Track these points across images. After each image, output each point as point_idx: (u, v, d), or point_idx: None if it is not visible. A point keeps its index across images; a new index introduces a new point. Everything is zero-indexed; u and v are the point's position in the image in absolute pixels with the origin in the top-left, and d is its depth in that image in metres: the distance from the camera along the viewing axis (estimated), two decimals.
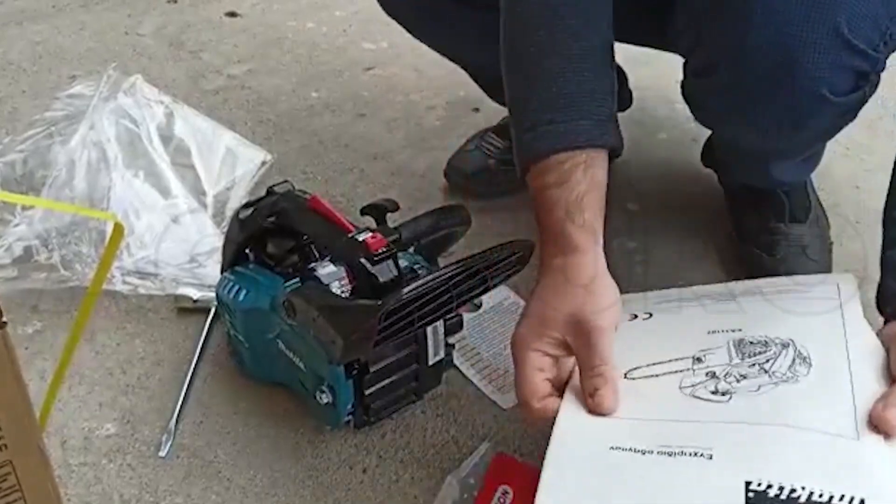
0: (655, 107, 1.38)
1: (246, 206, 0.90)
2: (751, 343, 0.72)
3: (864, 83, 0.80)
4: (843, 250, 1.10)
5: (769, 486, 0.58)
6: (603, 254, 0.77)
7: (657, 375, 0.72)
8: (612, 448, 0.65)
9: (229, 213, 1.12)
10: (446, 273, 0.78)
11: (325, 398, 0.83)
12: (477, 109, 1.40)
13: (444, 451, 0.88)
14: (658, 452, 0.63)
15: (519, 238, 0.87)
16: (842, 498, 0.57)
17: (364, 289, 0.79)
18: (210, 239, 1.07)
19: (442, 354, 0.89)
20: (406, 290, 0.74)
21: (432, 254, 0.93)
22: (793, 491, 0.58)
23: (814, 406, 0.65)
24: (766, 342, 0.72)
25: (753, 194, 1.08)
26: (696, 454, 0.62)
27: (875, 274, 1.08)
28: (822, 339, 0.71)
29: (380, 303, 0.73)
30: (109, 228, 1.00)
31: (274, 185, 0.89)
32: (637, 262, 1.11)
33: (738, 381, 0.68)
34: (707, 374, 0.70)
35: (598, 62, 0.79)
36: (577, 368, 0.73)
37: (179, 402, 0.91)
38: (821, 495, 0.57)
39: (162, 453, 0.86)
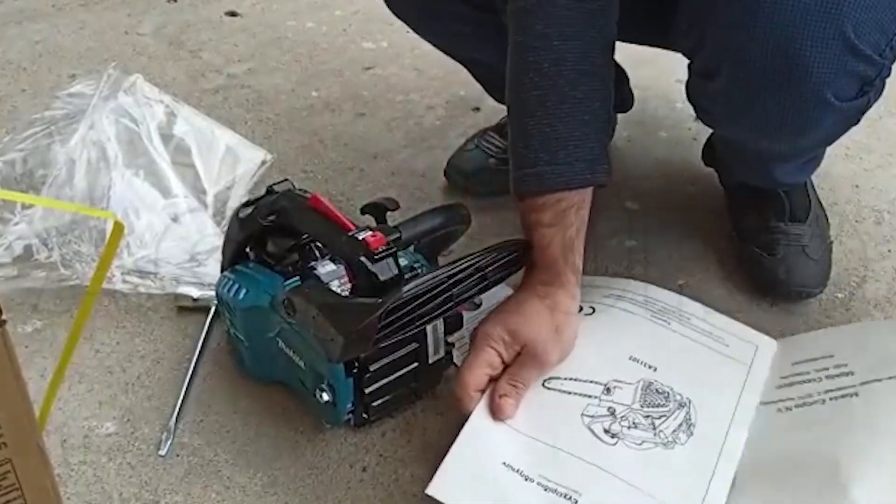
0: (656, 106, 1.38)
1: (246, 204, 0.90)
2: (656, 391, 0.82)
3: (870, 88, 0.80)
4: (843, 249, 1.11)
5: None
6: (579, 288, 0.86)
7: (569, 392, 0.82)
8: (503, 463, 0.76)
9: (229, 212, 1.12)
10: (446, 271, 0.78)
11: (325, 396, 0.83)
12: (477, 109, 1.40)
13: (445, 449, 0.87)
14: (537, 483, 0.75)
15: (518, 237, 0.87)
16: None
17: (364, 287, 0.79)
18: (210, 238, 1.07)
19: (442, 353, 0.89)
20: (406, 288, 0.75)
21: (432, 253, 0.93)
22: None
23: (673, 477, 0.76)
24: (668, 395, 0.82)
25: (754, 194, 1.08)
26: (566, 496, 0.74)
27: (874, 273, 1.09)
28: (712, 412, 0.80)
29: (380, 301, 0.73)
30: (109, 227, 1.00)
31: (274, 184, 0.89)
32: (637, 261, 1.11)
33: (629, 428, 0.79)
34: (608, 409, 0.80)
35: (597, 105, 0.84)
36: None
37: (179, 401, 0.91)
38: None
39: (162, 452, 0.86)
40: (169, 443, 0.87)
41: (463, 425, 0.79)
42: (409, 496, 0.83)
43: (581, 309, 0.87)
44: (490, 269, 0.83)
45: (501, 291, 1.03)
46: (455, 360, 0.94)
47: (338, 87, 1.47)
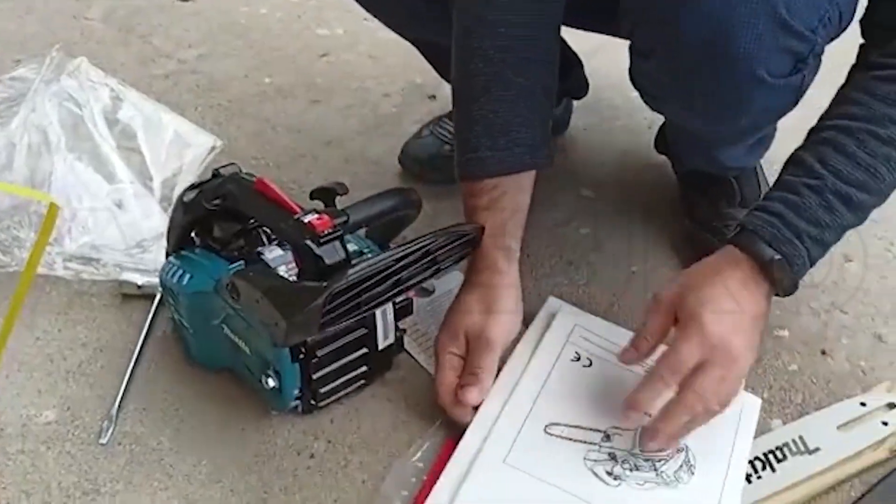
0: (612, 95, 1.38)
1: (191, 188, 0.88)
2: None
3: (803, 66, 0.80)
4: None
5: None
6: (517, 269, 0.88)
7: (570, 439, 0.82)
8: None
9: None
10: (394, 254, 0.77)
11: (271, 382, 0.81)
12: (433, 97, 1.39)
13: (394, 435, 0.87)
14: None
15: (470, 222, 0.86)
16: None
17: (310, 271, 0.77)
18: (156, 224, 1.04)
19: (392, 339, 0.88)
20: (352, 271, 0.73)
21: (383, 239, 0.92)
22: None
23: None
24: None
25: (705, 180, 1.09)
26: None
27: (828, 257, 1.10)
28: (711, 454, 0.81)
29: (325, 284, 0.72)
30: None
31: (220, 168, 0.87)
32: (591, 248, 1.11)
33: (631, 470, 0.80)
34: (609, 454, 0.81)
35: (540, 92, 0.86)
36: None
37: (122, 389, 0.89)
38: None
39: (103, 441, 0.84)
40: (110, 431, 0.85)
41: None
42: (358, 483, 0.82)
43: (579, 358, 0.90)
44: (440, 252, 0.82)
45: (455, 279, 1.03)
46: (406, 347, 0.94)
47: (291, 74, 1.45)
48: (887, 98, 0.75)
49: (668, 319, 0.78)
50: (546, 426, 0.83)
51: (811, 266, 0.77)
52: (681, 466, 0.80)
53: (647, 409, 0.76)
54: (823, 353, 0.96)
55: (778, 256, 0.75)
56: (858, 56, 0.82)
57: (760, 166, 1.10)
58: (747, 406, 0.87)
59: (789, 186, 0.77)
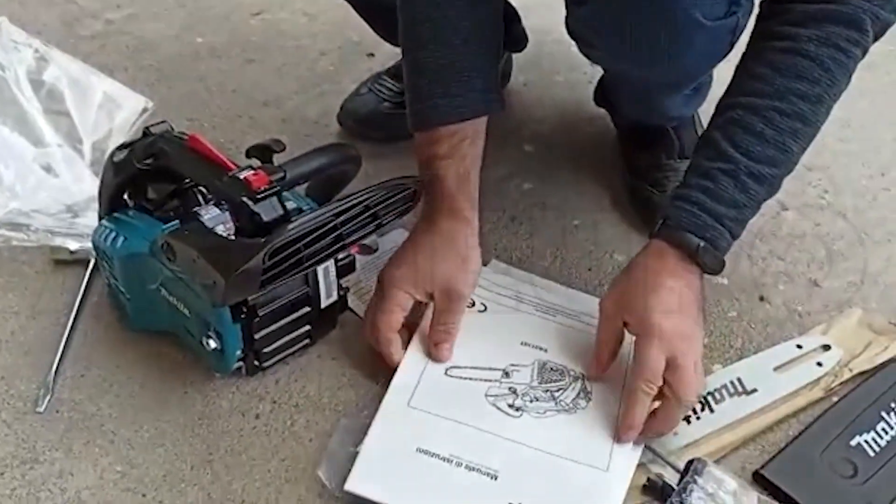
0: (552, 51, 1.37)
1: (120, 147, 0.85)
2: (551, 369, 0.86)
3: (737, 8, 0.81)
4: None
5: None
6: (477, 221, 0.88)
7: (472, 379, 0.85)
8: (418, 450, 0.78)
9: None
10: (334, 209, 0.76)
11: (213, 344, 0.80)
12: (372, 55, 1.37)
13: (341, 394, 0.86)
14: (455, 463, 0.77)
15: (409, 175, 0.85)
16: None
17: (247, 229, 0.76)
18: (87, 188, 1.01)
19: (335, 297, 0.87)
20: (291, 226, 0.72)
21: (323, 197, 0.91)
22: None
23: (580, 437, 0.80)
24: (563, 371, 0.86)
25: (644, 132, 1.09)
26: (486, 474, 0.76)
27: (765, 207, 1.12)
28: (605, 383, 0.84)
29: (263, 241, 0.70)
30: None
31: (150, 126, 0.85)
32: (533, 203, 1.11)
33: (531, 401, 0.83)
34: (510, 388, 0.84)
35: (488, 35, 0.86)
36: (425, 318, 0.87)
37: (58, 356, 0.86)
38: None
39: (40, 409, 0.82)
40: (47, 399, 0.83)
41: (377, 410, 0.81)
42: (305, 441, 0.82)
43: (473, 304, 0.91)
44: (380, 207, 0.81)
45: (399, 236, 1.02)
46: (350, 305, 0.93)
47: (224, 33, 1.41)
48: (789, 71, 0.77)
49: (619, 325, 0.81)
50: (447, 369, 0.85)
51: (734, 240, 0.81)
52: (578, 394, 0.84)
53: (641, 424, 0.79)
54: (761, 299, 0.98)
55: (703, 244, 0.78)
56: (758, 22, 0.82)
57: (698, 116, 1.11)
58: None
59: (705, 172, 0.79)
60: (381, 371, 0.86)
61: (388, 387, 0.84)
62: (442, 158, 0.85)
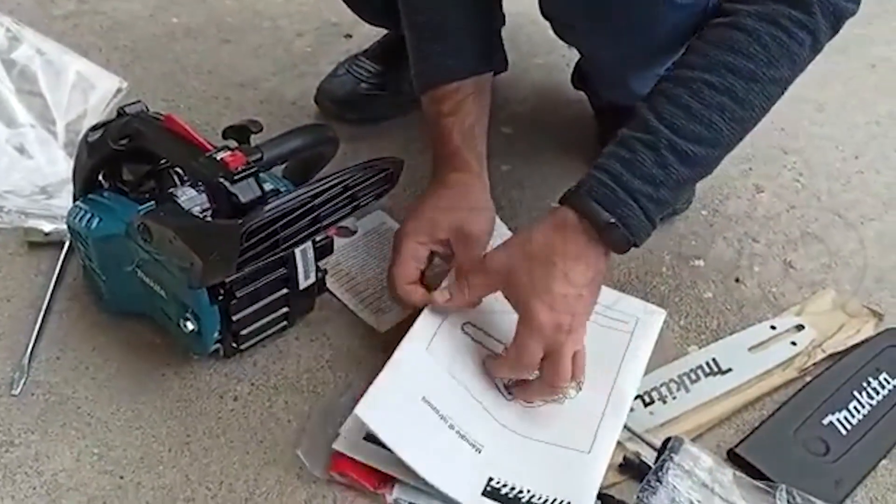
0: (530, 33, 1.37)
1: (94, 128, 0.84)
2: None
3: None
4: None
5: (504, 485, 0.75)
6: (486, 174, 0.89)
7: (480, 342, 0.84)
8: (423, 399, 0.77)
9: None
10: (311, 190, 0.75)
11: (190, 326, 0.80)
12: (349, 36, 1.36)
13: (319, 375, 0.86)
14: (450, 427, 0.77)
15: (387, 156, 0.85)
16: (554, 500, 0.73)
17: (224, 210, 0.75)
18: (61, 169, 1.00)
19: (314, 278, 0.87)
20: (269, 207, 0.71)
21: (301, 179, 0.90)
22: (519, 491, 0.74)
23: (563, 423, 0.79)
24: None
25: (621, 114, 1.09)
26: (472, 445, 0.77)
27: (736, 190, 1.13)
28: (597, 372, 0.81)
29: (240, 221, 0.70)
30: None
31: (125, 106, 0.84)
32: (512, 185, 1.11)
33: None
34: None
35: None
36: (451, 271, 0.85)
37: (33, 339, 0.86)
38: (539, 497, 0.74)
39: (15, 391, 0.81)
40: (22, 381, 0.82)
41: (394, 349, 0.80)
42: (284, 423, 0.82)
43: None
44: (358, 188, 0.80)
45: (378, 219, 1.02)
46: (328, 287, 0.92)
47: (200, 13, 1.40)
48: (722, 44, 0.73)
49: (494, 283, 0.78)
50: (463, 324, 0.84)
51: (653, 226, 0.75)
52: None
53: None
54: (737, 280, 0.99)
55: (612, 219, 0.73)
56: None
57: None
58: (643, 323, 0.88)
59: (624, 142, 0.75)
60: (361, 353, 0.86)
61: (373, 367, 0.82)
62: (446, 116, 0.86)
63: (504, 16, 1.24)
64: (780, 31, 0.73)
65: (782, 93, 0.76)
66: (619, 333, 0.87)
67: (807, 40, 0.73)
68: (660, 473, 0.74)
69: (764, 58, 0.73)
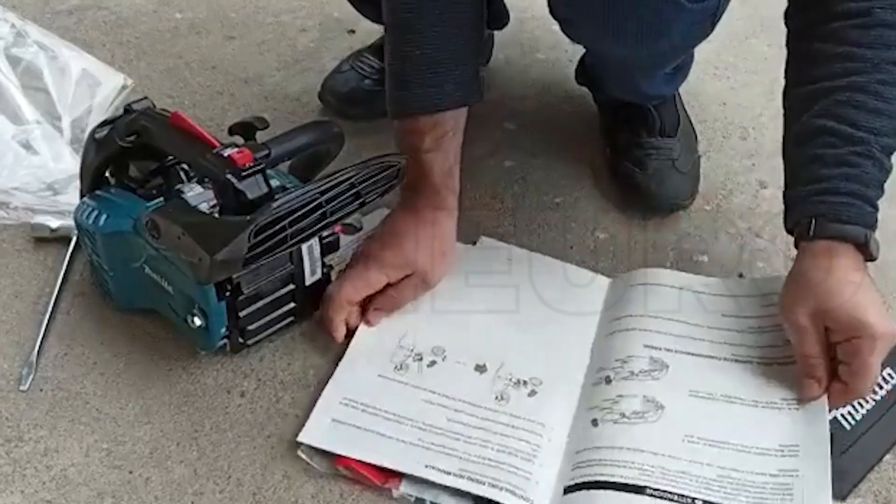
0: (533, 27, 1.37)
1: (102, 124, 0.84)
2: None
3: None
4: (711, 163, 1.14)
5: None
6: (457, 209, 0.91)
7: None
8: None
9: None
10: (319, 187, 0.76)
11: (197, 321, 0.80)
12: (353, 31, 1.36)
13: (326, 370, 0.87)
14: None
15: (392, 152, 0.85)
16: None
17: (231, 206, 0.76)
18: (67, 166, 1.01)
19: (320, 275, 0.88)
20: (276, 204, 0.72)
21: (306, 174, 0.91)
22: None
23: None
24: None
25: (625, 110, 1.10)
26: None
27: (739, 186, 1.13)
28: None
29: (248, 218, 0.70)
30: None
31: (132, 103, 0.84)
32: (515, 181, 1.11)
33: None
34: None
35: (469, 27, 0.86)
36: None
37: (41, 334, 0.86)
38: None
39: (23, 387, 0.82)
40: (31, 377, 0.83)
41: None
42: (291, 418, 0.82)
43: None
44: (364, 185, 0.81)
45: (382, 215, 1.02)
46: None
47: (203, 9, 1.39)
48: (876, 43, 0.77)
49: (821, 334, 0.79)
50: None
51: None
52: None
53: None
54: (740, 276, 0.99)
55: (869, 232, 0.78)
56: (805, 8, 0.81)
57: (679, 96, 1.12)
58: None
59: (839, 161, 0.78)
60: None
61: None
62: (426, 152, 0.86)
63: (508, 14, 1.25)
64: None
65: None
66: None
67: None
68: None
69: None
